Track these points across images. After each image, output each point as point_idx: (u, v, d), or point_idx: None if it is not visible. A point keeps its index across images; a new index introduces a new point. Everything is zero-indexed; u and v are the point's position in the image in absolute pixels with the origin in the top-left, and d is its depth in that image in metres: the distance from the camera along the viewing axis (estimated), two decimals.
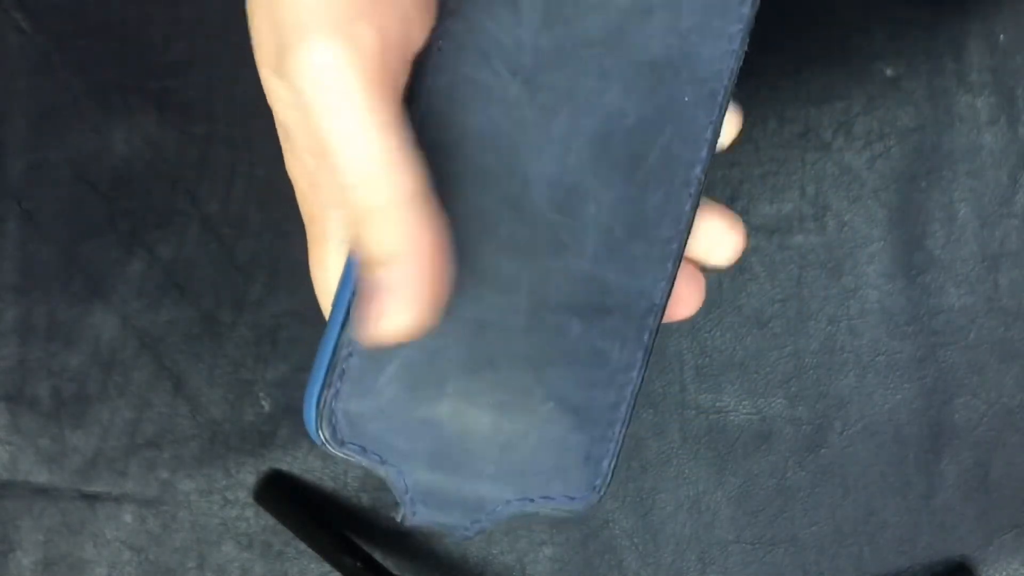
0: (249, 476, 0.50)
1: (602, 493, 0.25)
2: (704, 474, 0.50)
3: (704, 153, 0.25)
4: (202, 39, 0.50)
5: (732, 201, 0.50)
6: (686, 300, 0.26)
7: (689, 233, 0.25)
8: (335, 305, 0.23)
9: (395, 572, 0.49)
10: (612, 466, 0.25)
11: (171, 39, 0.50)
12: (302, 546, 0.49)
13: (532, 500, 0.24)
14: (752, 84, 0.50)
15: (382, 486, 0.50)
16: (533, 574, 0.50)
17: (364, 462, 0.23)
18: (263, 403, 0.50)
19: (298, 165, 0.25)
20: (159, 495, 0.49)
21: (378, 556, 0.49)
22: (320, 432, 0.23)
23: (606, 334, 0.24)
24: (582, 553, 0.50)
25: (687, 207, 0.25)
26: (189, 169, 0.49)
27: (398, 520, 0.24)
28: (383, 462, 0.23)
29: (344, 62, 0.20)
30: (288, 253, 0.49)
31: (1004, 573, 0.51)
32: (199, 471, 0.49)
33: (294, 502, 0.49)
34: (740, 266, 0.50)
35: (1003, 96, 0.51)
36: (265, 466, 0.50)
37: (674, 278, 0.25)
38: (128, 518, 0.49)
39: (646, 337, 0.25)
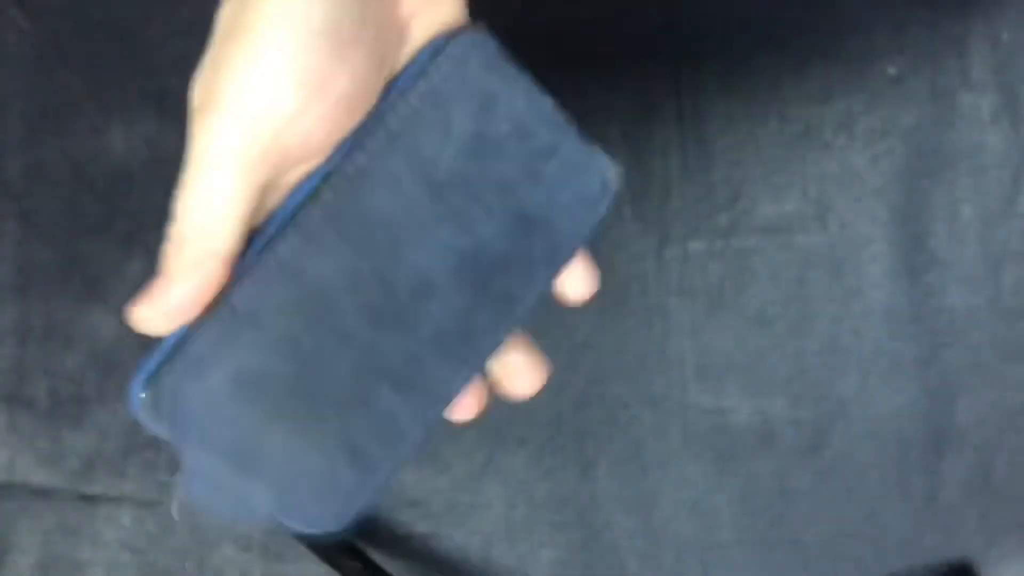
0: None
1: (342, 524, 0.29)
2: (705, 475, 0.50)
3: (530, 299, 0.30)
4: (201, 39, 0.49)
5: (734, 201, 0.50)
6: (525, 375, 0.32)
7: (495, 352, 0.30)
8: None
9: (394, 574, 0.49)
10: (360, 506, 0.29)
11: (169, 39, 0.50)
12: (301, 548, 0.49)
13: (290, 510, 0.28)
14: (754, 83, 0.50)
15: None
16: None
17: (167, 432, 0.27)
18: None
19: None
20: (158, 496, 0.49)
21: (377, 558, 0.49)
22: (141, 396, 0.27)
23: (404, 404, 0.29)
24: (582, 554, 0.50)
25: (502, 335, 0.30)
26: None
27: (171, 493, 0.28)
28: (186, 439, 0.27)
29: (233, 145, 0.27)
30: None
31: (1007, 574, 0.51)
32: None
33: None
34: (742, 266, 0.50)
35: (1006, 95, 0.51)
36: None
37: (469, 381, 0.30)
38: (126, 519, 0.49)
39: (431, 417, 0.30)
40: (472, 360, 0.30)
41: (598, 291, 0.31)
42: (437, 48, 0.29)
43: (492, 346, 0.30)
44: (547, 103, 0.30)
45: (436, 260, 0.29)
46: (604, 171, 0.31)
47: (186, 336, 0.27)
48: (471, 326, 0.30)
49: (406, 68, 0.29)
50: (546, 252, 0.31)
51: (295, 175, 0.28)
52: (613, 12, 0.50)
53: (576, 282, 0.32)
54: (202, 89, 0.29)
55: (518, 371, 0.31)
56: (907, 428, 0.50)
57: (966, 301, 0.51)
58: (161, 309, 0.28)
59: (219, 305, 0.27)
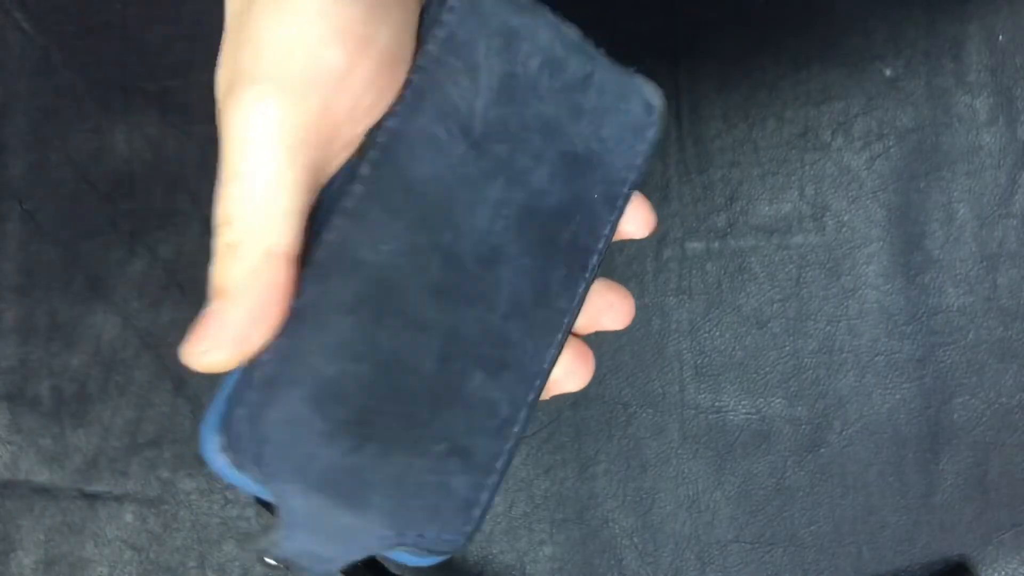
0: None
1: (469, 539, 0.25)
2: (703, 473, 0.50)
3: (601, 245, 0.28)
4: (202, 40, 0.50)
5: (732, 201, 0.50)
6: (576, 373, 0.28)
7: (580, 310, 0.28)
8: None
9: (394, 571, 0.49)
10: (481, 515, 0.26)
11: (172, 40, 0.50)
12: None
13: (407, 536, 0.25)
14: (751, 84, 0.51)
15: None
16: (533, 573, 0.50)
17: (254, 474, 0.23)
18: None
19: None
20: (160, 495, 0.49)
21: (377, 556, 0.49)
22: (220, 438, 0.23)
23: (501, 387, 0.26)
24: (582, 552, 0.50)
25: (581, 288, 0.27)
26: (190, 169, 0.49)
27: (261, 548, 0.24)
28: (276, 478, 0.23)
29: (278, 119, 0.22)
30: None
31: (1003, 572, 0.51)
32: (200, 471, 0.50)
33: None
34: (740, 266, 0.50)
35: (1002, 96, 0.51)
36: None
37: (562, 347, 0.27)
38: (129, 517, 0.50)
39: (531, 397, 0.27)
40: (556, 324, 0.27)
41: None
42: None
43: (573, 305, 0.27)
44: (572, 31, 0.28)
45: (496, 220, 0.26)
46: (644, 94, 0.28)
47: (252, 357, 0.23)
48: (547, 287, 0.27)
49: (425, 19, 0.26)
50: (605, 191, 0.28)
51: (343, 158, 0.25)
52: (612, 12, 0.50)
53: (635, 219, 0.29)
54: (226, 73, 0.23)
55: (608, 305, 0.29)
56: (904, 427, 0.51)
57: (962, 301, 0.51)
58: (225, 337, 0.23)
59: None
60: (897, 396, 0.51)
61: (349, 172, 0.25)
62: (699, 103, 0.50)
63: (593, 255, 0.28)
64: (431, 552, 0.25)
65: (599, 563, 0.50)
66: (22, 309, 0.49)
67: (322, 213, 0.24)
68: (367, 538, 0.24)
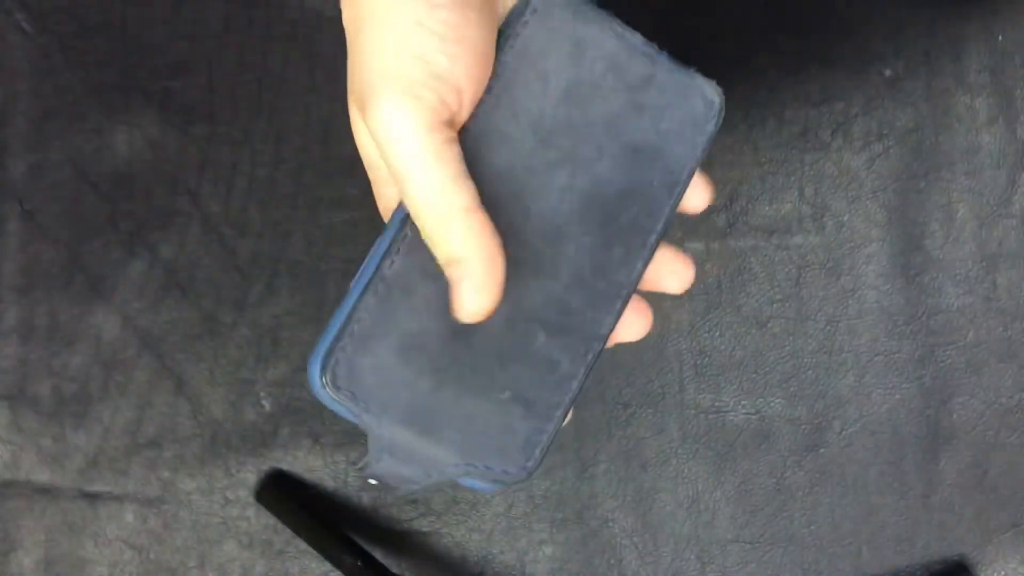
0: (250, 475, 0.50)
1: (530, 473, 0.30)
2: (703, 473, 0.50)
3: (660, 226, 0.31)
4: (203, 40, 0.50)
5: (731, 202, 0.51)
6: (633, 326, 0.33)
7: (638, 284, 0.32)
8: (360, 272, 0.29)
9: (395, 571, 0.49)
10: (542, 454, 0.30)
11: (172, 40, 0.50)
12: (303, 545, 0.50)
13: (475, 467, 0.30)
14: (751, 85, 0.51)
15: (383, 487, 0.50)
16: (533, 573, 0.50)
17: (351, 408, 0.28)
18: (264, 403, 0.50)
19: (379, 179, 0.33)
20: (160, 494, 0.50)
21: (378, 555, 0.49)
22: (323, 377, 0.28)
23: (561, 348, 0.30)
24: (582, 552, 0.50)
25: (639, 264, 0.31)
26: (190, 169, 0.50)
27: (359, 467, 0.29)
28: (367, 411, 0.28)
29: (408, 114, 0.27)
30: (288, 253, 0.50)
31: (1002, 572, 0.51)
32: (200, 471, 0.50)
33: (295, 501, 0.49)
34: (739, 266, 0.50)
35: (1001, 97, 0.51)
36: (266, 465, 0.50)
37: (620, 315, 0.32)
38: (129, 517, 0.50)
39: (590, 357, 0.31)
40: (615, 295, 0.31)
41: None
42: (522, 6, 0.30)
43: (632, 279, 0.31)
44: (635, 37, 0.31)
45: (560, 205, 0.30)
46: (704, 91, 0.32)
47: (350, 313, 0.28)
48: (607, 263, 0.31)
49: (500, 31, 0.30)
50: (664, 179, 0.31)
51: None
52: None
53: (694, 196, 0.33)
54: (354, 94, 0.29)
55: (671, 272, 0.33)
56: (903, 427, 0.51)
57: (962, 301, 0.51)
58: (487, 284, 0.28)
59: (372, 277, 0.29)
60: (897, 396, 0.51)
61: None
62: None
63: (652, 235, 0.31)
64: (496, 481, 0.30)
65: (599, 563, 0.50)
66: (22, 309, 0.49)
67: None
68: (442, 465, 0.29)
